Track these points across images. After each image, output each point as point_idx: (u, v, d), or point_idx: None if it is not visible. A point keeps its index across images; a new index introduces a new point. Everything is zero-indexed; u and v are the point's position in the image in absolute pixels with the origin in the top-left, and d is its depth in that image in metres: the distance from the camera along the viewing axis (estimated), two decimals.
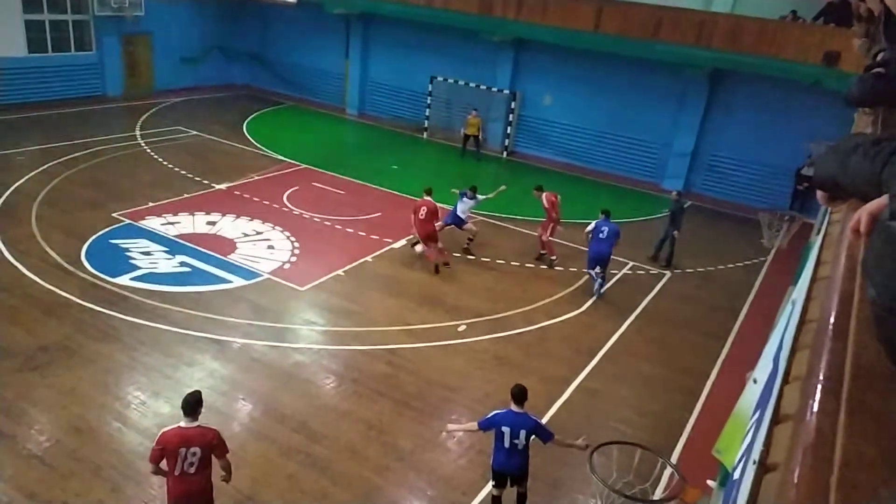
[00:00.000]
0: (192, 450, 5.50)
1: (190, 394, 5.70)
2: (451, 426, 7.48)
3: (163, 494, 6.10)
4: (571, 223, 14.27)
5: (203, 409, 5.76)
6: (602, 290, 12.21)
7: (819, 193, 1.46)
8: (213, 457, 5.69)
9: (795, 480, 0.91)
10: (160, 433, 5.62)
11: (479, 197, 13.48)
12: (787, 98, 17.95)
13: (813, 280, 2.85)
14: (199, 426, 5.63)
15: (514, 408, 6.38)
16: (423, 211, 12.30)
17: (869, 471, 0.87)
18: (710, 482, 7.09)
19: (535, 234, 13.76)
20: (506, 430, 6.30)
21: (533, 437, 6.39)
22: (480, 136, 20.88)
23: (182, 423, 5.60)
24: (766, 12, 17.15)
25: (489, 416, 6.45)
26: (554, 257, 13.43)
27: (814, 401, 1.08)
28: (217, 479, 5.88)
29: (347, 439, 7.81)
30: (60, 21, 20.97)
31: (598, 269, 12.08)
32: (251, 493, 6.86)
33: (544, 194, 13.41)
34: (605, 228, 12.01)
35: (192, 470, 5.54)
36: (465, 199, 13.32)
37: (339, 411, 8.33)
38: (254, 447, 7.52)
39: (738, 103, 18.87)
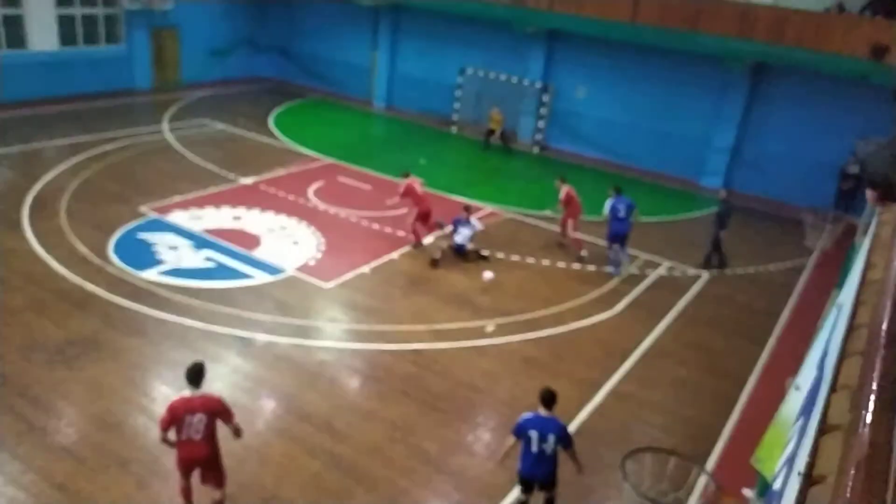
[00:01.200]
0: (197, 416, 5.83)
1: (192, 364, 6.01)
2: (499, 456, 6.75)
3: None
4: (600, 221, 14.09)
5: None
6: (624, 266, 12.81)
7: (869, 192, 1.42)
8: (218, 423, 6.01)
9: (848, 495, 0.88)
10: (168, 403, 5.95)
11: (475, 222, 12.75)
12: (832, 93, 17.54)
13: (862, 283, 2.78)
14: (202, 394, 5.95)
15: (541, 411, 6.31)
16: (419, 188, 13.06)
17: None
18: (746, 491, 6.99)
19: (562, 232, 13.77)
20: (533, 434, 6.22)
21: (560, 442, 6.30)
22: (502, 132, 20.89)
23: (186, 393, 5.93)
24: (811, 4, 16.73)
25: (518, 421, 6.38)
26: (583, 252, 13.33)
27: (867, 411, 1.04)
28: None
29: (372, 440, 7.85)
30: (91, 15, 21.50)
31: (616, 246, 12.69)
32: (275, 491, 6.95)
33: (565, 188, 13.37)
34: (622, 206, 12.56)
35: (198, 436, 5.88)
36: (465, 224, 12.58)
37: (363, 411, 8.38)
38: (277, 445, 7.60)
39: (780, 97, 18.49)
